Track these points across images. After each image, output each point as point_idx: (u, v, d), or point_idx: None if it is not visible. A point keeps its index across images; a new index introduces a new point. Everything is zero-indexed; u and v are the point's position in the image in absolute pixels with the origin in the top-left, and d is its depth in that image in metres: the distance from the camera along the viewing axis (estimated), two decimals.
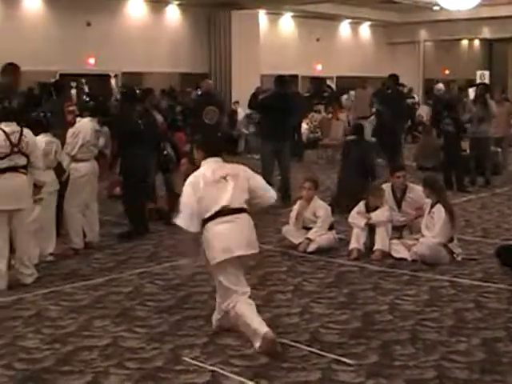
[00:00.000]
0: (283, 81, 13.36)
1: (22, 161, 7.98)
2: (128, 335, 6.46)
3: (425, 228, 9.15)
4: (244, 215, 6.34)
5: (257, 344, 5.97)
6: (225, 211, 6.22)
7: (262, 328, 5.99)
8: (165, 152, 11.41)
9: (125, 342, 6.31)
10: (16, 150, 7.88)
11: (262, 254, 6.44)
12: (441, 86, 24.62)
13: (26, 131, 8.04)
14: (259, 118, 14.11)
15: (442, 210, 8.99)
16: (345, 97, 23.78)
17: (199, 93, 15.88)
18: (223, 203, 6.22)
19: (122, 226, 10.80)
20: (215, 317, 6.49)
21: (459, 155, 14.85)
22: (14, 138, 7.87)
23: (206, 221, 6.24)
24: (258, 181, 6.58)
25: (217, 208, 6.20)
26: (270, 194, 6.66)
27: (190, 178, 6.34)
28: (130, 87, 11.38)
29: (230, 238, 6.20)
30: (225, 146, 6.59)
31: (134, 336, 6.44)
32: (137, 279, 8.28)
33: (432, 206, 9.14)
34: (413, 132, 23.22)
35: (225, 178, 6.31)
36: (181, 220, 6.23)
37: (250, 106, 13.59)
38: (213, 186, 6.26)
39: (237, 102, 22.78)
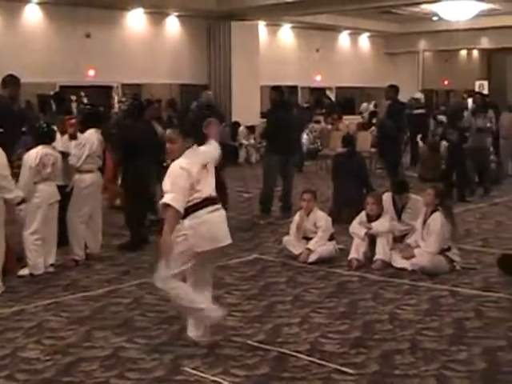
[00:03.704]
0: (282, 91, 13.37)
1: None
2: (128, 346, 6.47)
3: (420, 239, 9.18)
4: (220, 205, 6.43)
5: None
6: (209, 200, 6.26)
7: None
8: (164, 164, 11.43)
9: (125, 352, 6.32)
10: None
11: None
12: (419, 95, 24.60)
13: None
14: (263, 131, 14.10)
15: (438, 219, 9.02)
16: (364, 105, 23.57)
17: (198, 104, 15.88)
18: (208, 192, 6.26)
19: (122, 237, 10.82)
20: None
21: (461, 165, 14.88)
22: None
23: (192, 208, 6.17)
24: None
25: (203, 196, 6.21)
26: None
27: (182, 163, 6.18)
28: (138, 99, 11.35)
29: (218, 228, 6.29)
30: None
31: (135, 347, 6.46)
32: (137, 290, 8.29)
33: (425, 217, 9.17)
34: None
35: (205, 166, 6.33)
36: (174, 200, 6.04)
37: (264, 137, 13.73)
38: (201, 173, 6.25)
39: None
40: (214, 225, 6.26)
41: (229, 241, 6.37)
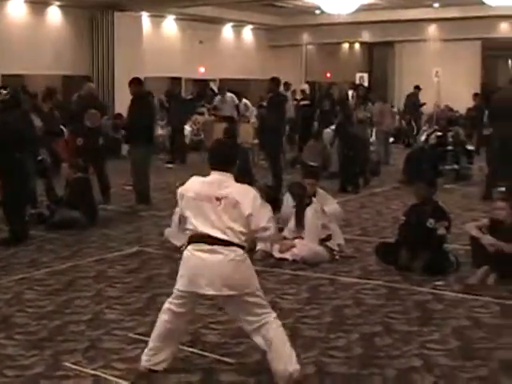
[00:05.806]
0: (141, 83, 13.44)
1: None
2: (7, 342, 6.35)
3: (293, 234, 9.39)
4: (229, 249, 5.34)
5: None
6: (205, 238, 5.35)
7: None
8: (39, 157, 11.23)
9: (4, 349, 6.20)
10: None
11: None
12: (305, 86, 24.84)
13: None
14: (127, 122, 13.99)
15: (308, 213, 9.27)
16: (218, 97, 23.25)
17: (80, 95, 15.67)
18: (205, 229, 5.37)
19: (2, 232, 10.59)
20: None
21: (345, 155, 15.22)
22: None
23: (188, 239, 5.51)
24: (263, 215, 5.45)
25: (197, 231, 5.40)
26: (269, 232, 5.53)
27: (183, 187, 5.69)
28: (15, 89, 11.08)
29: (203, 271, 5.35)
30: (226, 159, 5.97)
31: (13, 343, 6.34)
32: (16, 285, 8.13)
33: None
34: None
35: (219, 199, 5.38)
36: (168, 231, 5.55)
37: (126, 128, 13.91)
38: (201, 202, 5.42)
39: None
40: (196, 266, 5.39)
41: (217, 291, 5.39)
